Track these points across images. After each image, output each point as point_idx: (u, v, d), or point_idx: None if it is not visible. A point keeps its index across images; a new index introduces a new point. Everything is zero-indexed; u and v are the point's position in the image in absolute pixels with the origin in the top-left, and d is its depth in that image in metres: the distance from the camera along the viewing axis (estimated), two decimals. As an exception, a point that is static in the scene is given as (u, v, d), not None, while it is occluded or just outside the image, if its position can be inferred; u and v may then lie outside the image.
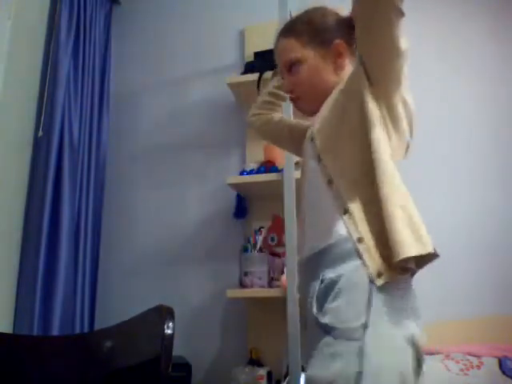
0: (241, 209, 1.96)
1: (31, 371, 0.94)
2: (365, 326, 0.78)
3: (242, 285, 1.71)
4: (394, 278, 0.81)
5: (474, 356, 1.47)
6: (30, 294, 1.70)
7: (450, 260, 1.74)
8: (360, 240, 0.85)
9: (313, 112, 1.07)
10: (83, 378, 0.93)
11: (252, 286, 1.69)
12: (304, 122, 1.20)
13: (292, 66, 1.06)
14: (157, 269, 2.04)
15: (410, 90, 0.96)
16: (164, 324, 0.78)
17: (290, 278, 1.51)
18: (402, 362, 0.78)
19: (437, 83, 1.94)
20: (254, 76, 1.83)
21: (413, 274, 0.87)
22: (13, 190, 1.84)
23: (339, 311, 0.82)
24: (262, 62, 1.83)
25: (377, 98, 0.91)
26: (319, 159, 0.96)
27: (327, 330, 0.81)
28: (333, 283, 0.85)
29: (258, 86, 1.80)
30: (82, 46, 2.09)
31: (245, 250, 1.78)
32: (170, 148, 2.18)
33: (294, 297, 1.47)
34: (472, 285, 1.71)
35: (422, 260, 0.83)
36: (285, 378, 1.54)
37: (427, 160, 1.86)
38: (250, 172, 1.81)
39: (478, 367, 1.42)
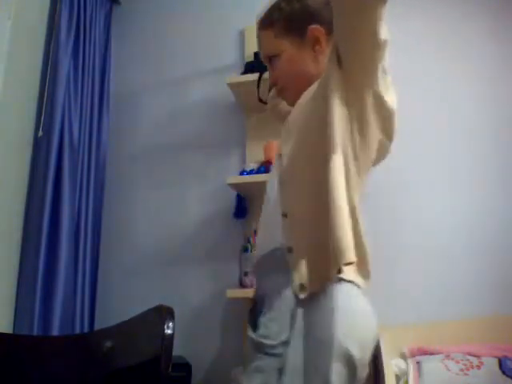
0: (241, 209, 1.96)
1: (31, 371, 0.94)
2: (287, 343, 0.77)
3: (242, 285, 1.71)
4: (321, 289, 0.78)
5: (474, 356, 1.47)
6: (30, 294, 1.70)
7: (450, 260, 1.75)
8: (290, 250, 0.82)
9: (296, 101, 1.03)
10: (83, 378, 0.93)
11: (252, 286, 1.68)
12: None
13: (271, 59, 1.03)
14: (157, 269, 2.04)
15: (393, 88, 0.89)
16: (164, 324, 0.78)
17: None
18: (325, 381, 0.73)
19: (437, 83, 1.94)
20: (254, 76, 1.83)
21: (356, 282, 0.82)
22: (13, 189, 1.84)
23: (266, 326, 0.81)
24: (262, 61, 1.83)
25: (347, 99, 0.84)
26: (279, 156, 0.94)
27: (254, 343, 0.81)
28: (262, 297, 0.84)
29: (258, 86, 1.80)
30: (82, 46, 2.09)
31: (245, 250, 1.78)
32: (170, 148, 2.18)
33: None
34: (472, 285, 1.71)
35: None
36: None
37: (427, 160, 1.86)
38: (250, 172, 1.81)
39: (478, 367, 1.42)
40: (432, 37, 1.99)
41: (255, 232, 1.82)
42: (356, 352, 0.74)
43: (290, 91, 1.04)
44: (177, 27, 2.32)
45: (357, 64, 0.82)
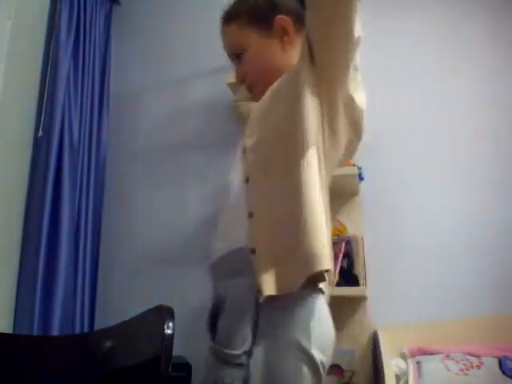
0: (241, 209, 1.96)
1: (31, 371, 0.94)
2: (249, 353, 0.73)
3: (242, 285, 1.71)
4: (288, 294, 0.74)
5: (474, 356, 1.47)
6: (30, 294, 1.70)
7: (450, 260, 1.75)
8: (253, 251, 0.78)
9: None
10: (83, 378, 0.93)
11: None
12: None
13: (238, 54, 1.00)
14: (157, 269, 2.04)
15: (362, 88, 0.89)
16: (164, 324, 0.78)
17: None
18: None
19: (437, 83, 1.94)
20: (254, 76, 1.83)
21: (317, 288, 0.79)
22: (13, 190, 1.84)
23: (226, 334, 0.76)
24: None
25: (319, 94, 0.83)
26: (244, 151, 0.91)
27: (214, 352, 0.76)
28: (223, 300, 0.79)
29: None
30: (82, 46, 2.09)
31: (245, 250, 1.77)
32: (170, 148, 2.18)
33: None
34: (472, 285, 1.71)
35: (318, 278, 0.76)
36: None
37: (427, 160, 1.86)
38: (250, 172, 1.81)
39: (478, 367, 1.42)
40: (432, 37, 1.99)
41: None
42: (321, 358, 0.74)
43: (259, 86, 1.01)
44: (177, 27, 2.32)
45: (329, 60, 0.81)
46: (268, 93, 0.94)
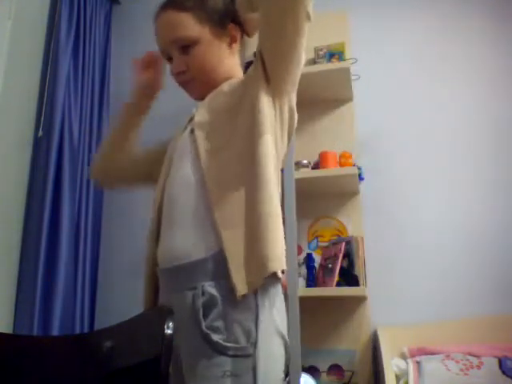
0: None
1: (31, 371, 0.94)
2: (255, 342, 0.78)
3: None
4: (263, 289, 0.82)
5: (474, 356, 1.47)
6: (30, 294, 1.70)
7: (450, 260, 1.75)
8: (224, 253, 0.81)
9: (203, 95, 1.03)
10: (83, 377, 0.93)
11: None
12: (155, 146, 1.20)
13: (186, 44, 0.99)
14: (157, 269, 2.04)
15: None
16: (164, 324, 0.78)
17: (289, 278, 1.51)
18: (282, 369, 0.84)
19: (437, 83, 1.94)
20: (254, 76, 1.83)
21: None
22: (13, 189, 1.84)
23: (228, 330, 0.79)
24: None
25: (273, 99, 0.92)
26: (198, 156, 0.91)
27: (218, 348, 0.78)
28: (214, 300, 0.81)
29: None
30: (82, 46, 2.09)
31: (245, 249, 1.77)
32: (170, 148, 2.17)
33: (294, 297, 1.47)
34: (472, 285, 1.71)
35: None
36: (285, 378, 1.54)
37: (427, 160, 1.86)
38: (250, 172, 1.81)
39: (478, 367, 1.42)
40: (432, 36, 1.99)
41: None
42: (287, 339, 0.86)
43: (198, 83, 1.04)
44: (177, 27, 2.31)
45: (282, 77, 0.92)
46: (219, 101, 0.99)
